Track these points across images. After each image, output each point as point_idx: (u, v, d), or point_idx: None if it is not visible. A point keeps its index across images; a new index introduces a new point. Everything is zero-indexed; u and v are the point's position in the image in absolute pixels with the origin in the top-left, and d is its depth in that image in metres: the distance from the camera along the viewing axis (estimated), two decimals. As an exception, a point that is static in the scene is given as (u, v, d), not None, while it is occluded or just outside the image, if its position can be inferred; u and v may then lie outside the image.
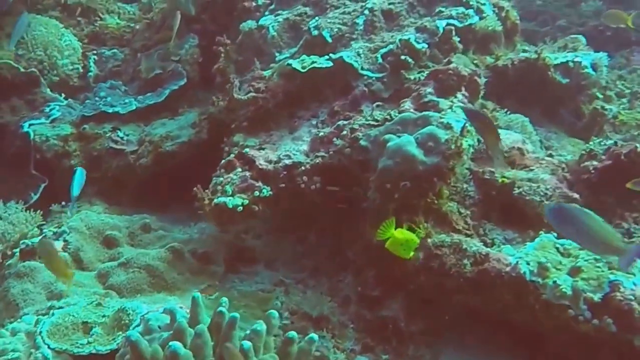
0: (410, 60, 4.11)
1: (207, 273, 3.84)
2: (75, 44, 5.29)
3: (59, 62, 5.13)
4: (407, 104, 3.89)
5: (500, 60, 4.68)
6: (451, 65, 3.97)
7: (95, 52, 5.30)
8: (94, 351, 3.07)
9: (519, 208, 3.88)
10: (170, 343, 2.72)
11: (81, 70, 5.19)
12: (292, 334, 2.87)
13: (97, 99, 4.84)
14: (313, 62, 4.15)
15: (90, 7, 5.59)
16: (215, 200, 3.73)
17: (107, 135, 4.54)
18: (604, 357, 3.41)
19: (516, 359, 3.64)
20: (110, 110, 4.67)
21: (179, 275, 3.73)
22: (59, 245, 3.75)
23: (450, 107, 3.79)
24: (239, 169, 3.88)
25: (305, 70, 4.15)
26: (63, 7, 5.58)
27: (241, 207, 3.73)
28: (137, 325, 3.13)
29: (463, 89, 3.98)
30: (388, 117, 3.82)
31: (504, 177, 3.90)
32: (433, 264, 3.57)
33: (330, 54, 4.21)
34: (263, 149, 3.99)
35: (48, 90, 5.00)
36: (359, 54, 4.18)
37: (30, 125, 4.61)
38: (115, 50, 5.31)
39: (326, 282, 4.00)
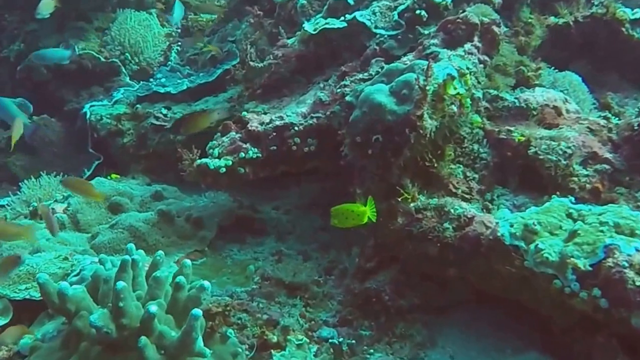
0: (424, 14, 3.73)
1: (197, 238, 3.71)
2: (161, 35, 5.46)
3: (142, 53, 5.33)
4: (409, 57, 3.53)
5: (562, 18, 4.10)
6: (461, 15, 3.53)
7: (180, 43, 5.42)
8: (28, 297, 3.09)
9: (535, 170, 3.34)
10: (61, 283, 2.64)
11: (162, 60, 5.33)
12: (181, 278, 2.67)
13: (151, 80, 4.95)
14: (325, 23, 3.90)
15: (189, 2, 5.74)
16: (197, 162, 3.60)
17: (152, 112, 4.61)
18: (601, 340, 2.81)
19: (523, 344, 3.12)
20: (162, 90, 4.73)
21: (164, 238, 3.63)
22: (61, 207, 3.83)
23: (449, 57, 3.37)
24: (233, 132, 3.72)
25: (316, 31, 3.92)
26: (165, 3, 5.80)
27: (224, 169, 3.57)
28: (76, 275, 3.10)
29: (476, 38, 3.52)
30: (380, 70, 3.48)
31: (521, 135, 3.38)
32: (413, 229, 3.16)
33: (346, 15, 3.94)
34: (266, 113, 3.80)
35: (127, 78, 5.19)
36: (374, 13, 3.88)
37: (91, 106, 4.81)
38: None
39: (332, 255, 3.73)
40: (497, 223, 2.98)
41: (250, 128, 3.65)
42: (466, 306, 3.31)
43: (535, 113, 3.52)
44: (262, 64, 4.03)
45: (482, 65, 3.49)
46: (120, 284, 2.57)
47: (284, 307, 3.33)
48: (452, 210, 3.11)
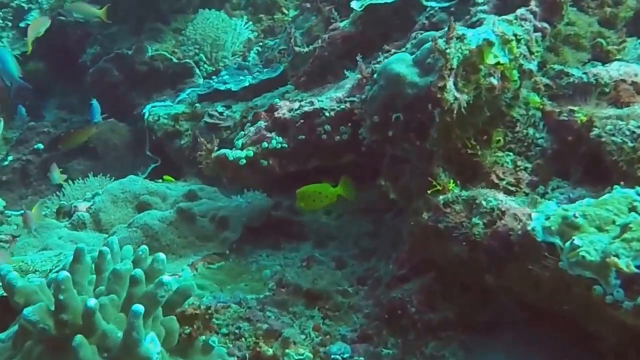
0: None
1: (218, 240, 3.33)
2: (243, 36, 5.19)
3: (218, 54, 5.07)
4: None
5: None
6: (517, -23, 2.97)
7: (261, 43, 5.13)
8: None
9: (599, 156, 2.70)
10: (12, 273, 2.35)
11: (239, 61, 5.04)
12: (137, 271, 2.28)
13: (214, 77, 4.66)
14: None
15: (276, 3, 5.48)
16: (215, 153, 3.22)
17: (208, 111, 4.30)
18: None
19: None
20: (222, 88, 4.42)
21: (180, 239, 3.28)
22: (84, 205, 3.59)
23: (494, 23, 2.81)
24: (261, 121, 3.33)
25: (362, 8, 3.46)
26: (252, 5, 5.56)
27: (244, 160, 3.17)
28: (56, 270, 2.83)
29: (533, 3, 2.94)
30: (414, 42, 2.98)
31: (584, 115, 2.76)
32: (439, 225, 2.62)
33: (396, -11, 3.47)
34: (301, 100, 3.38)
35: (201, 80, 4.95)
36: (428, -16, 3.38)
37: (152, 107, 4.58)
38: (277, 40, 5.07)
39: (372, 263, 3.23)
40: (529, 215, 2.39)
41: (276, 115, 3.24)
42: (513, 323, 2.70)
43: (607, 90, 2.87)
44: (307, 49, 3.61)
45: (538, 34, 2.90)
46: (63, 273, 2.23)
47: (298, 318, 2.87)
48: (484, 203, 2.54)
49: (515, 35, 2.75)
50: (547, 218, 2.34)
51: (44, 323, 2.21)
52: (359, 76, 3.19)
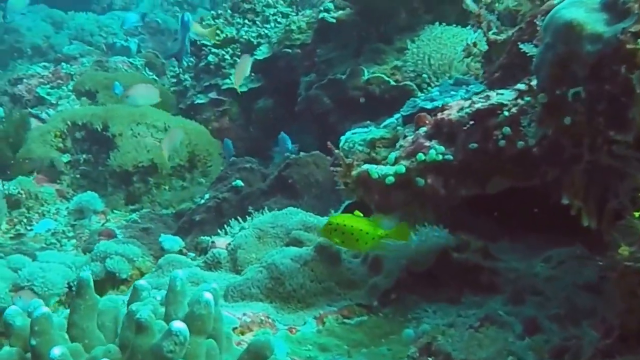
0: None
1: (365, 287, 2.46)
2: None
3: (445, 74, 4.24)
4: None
5: None
6: None
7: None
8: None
9: None
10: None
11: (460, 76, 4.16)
12: (143, 312, 1.57)
13: (420, 95, 3.80)
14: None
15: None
16: (356, 169, 2.39)
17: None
18: None
19: None
20: (429, 106, 3.55)
21: (313, 283, 2.46)
22: (223, 241, 2.95)
23: None
24: (424, 127, 2.45)
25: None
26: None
27: (392, 178, 2.31)
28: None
29: None
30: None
31: None
32: None
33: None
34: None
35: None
36: None
37: (353, 133, 3.85)
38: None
39: (579, 329, 2.17)
40: None
41: (439, 117, 2.35)
42: None
43: None
44: (504, 36, 2.67)
45: None
46: (40, 310, 1.59)
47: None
48: None
49: None
50: None
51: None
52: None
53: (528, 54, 2.03)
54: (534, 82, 1.90)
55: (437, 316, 2.41)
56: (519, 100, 2.19)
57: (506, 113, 2.21)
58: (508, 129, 2.20)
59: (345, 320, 2.37)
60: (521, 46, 2.08)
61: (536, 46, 2.00)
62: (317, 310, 2.39)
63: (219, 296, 1.82)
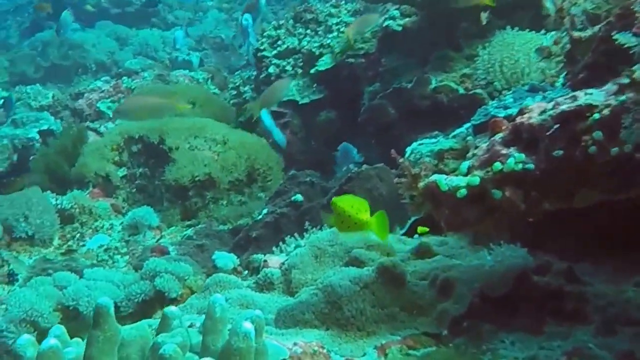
0: None
1: (434, 313, 2.18)
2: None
3: (518, 81, 3.94)
4: None
5: None
6: None
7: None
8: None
9: None
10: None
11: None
12: (169, 348, 1.33)
13: (492, 102, 3.49)
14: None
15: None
16: (424, 181, 2.12)
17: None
18: None
19: None
20: (502, 114, 3.26)
21: (374, 309, 2.19)
22: (277, 260, 2.71)
23: None
24: (500, 133, 2.17)
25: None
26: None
27: (464, 190, 2.03)
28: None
29: None
30: None
31: None
32: None
33: None
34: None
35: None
36: None
37: (420, 144, 3.58)
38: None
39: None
40: None
41: (518, 121, 2.07)
42: None
43: None
44: (590, 32, 2.37)
45: None
46: (49, 343, 1.37)
47: None
48: None
49: None
50: None
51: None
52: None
53: (625, 45, 1.74)
54: (637, 74, 1.61)
55: (516, 348, 2.12)
56: (614, 100, 1.89)
57: (597, 115, 1.91)
58: (600, 133, 1.90)
59: (410, 352, 2.09)
60: (616, 36, 1.79)
61: (635, 35, 1.72)
62: (379, 339, 2.12)
63: (263, 325, 1.57)
